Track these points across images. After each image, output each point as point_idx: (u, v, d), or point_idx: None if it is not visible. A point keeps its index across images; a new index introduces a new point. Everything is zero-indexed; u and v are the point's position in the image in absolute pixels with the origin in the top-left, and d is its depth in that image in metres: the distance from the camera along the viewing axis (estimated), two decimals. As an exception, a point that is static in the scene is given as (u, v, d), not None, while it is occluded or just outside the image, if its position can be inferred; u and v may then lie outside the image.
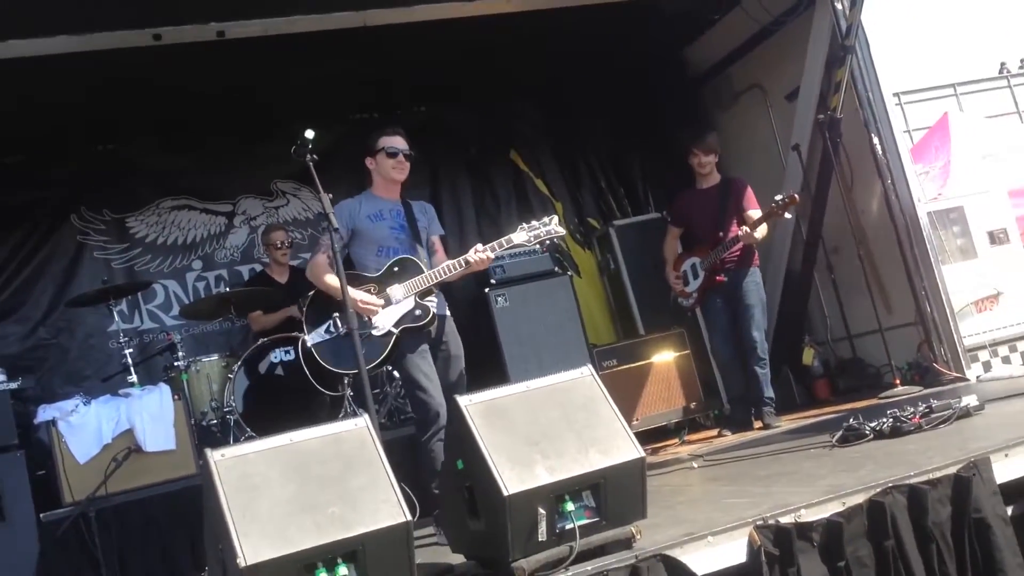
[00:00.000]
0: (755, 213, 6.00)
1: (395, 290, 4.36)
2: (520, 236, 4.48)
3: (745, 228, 5.83)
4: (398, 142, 4.56)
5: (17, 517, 4.73)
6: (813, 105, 6.89)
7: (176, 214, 7.37)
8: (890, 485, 2.98)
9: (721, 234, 6.00)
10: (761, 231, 5.91)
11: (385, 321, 4.32)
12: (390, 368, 6.19)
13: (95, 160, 6.92)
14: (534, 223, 4.52)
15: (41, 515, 4.79)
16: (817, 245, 7.10)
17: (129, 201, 7.22)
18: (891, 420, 4.12)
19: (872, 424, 4.17)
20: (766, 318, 6.10)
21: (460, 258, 4.39)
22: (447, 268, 4.39)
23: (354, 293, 4.23)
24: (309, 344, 4.40)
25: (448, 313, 4.56)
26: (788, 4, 7.00)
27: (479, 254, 4.36)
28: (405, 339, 4.33)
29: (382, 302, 4.33)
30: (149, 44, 5.30)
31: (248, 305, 6.23)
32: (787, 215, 5.88)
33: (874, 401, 5.83)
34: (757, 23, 7.34)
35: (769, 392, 5.95)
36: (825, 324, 7.44)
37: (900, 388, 5.95)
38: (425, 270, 4.43)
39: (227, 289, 6.82)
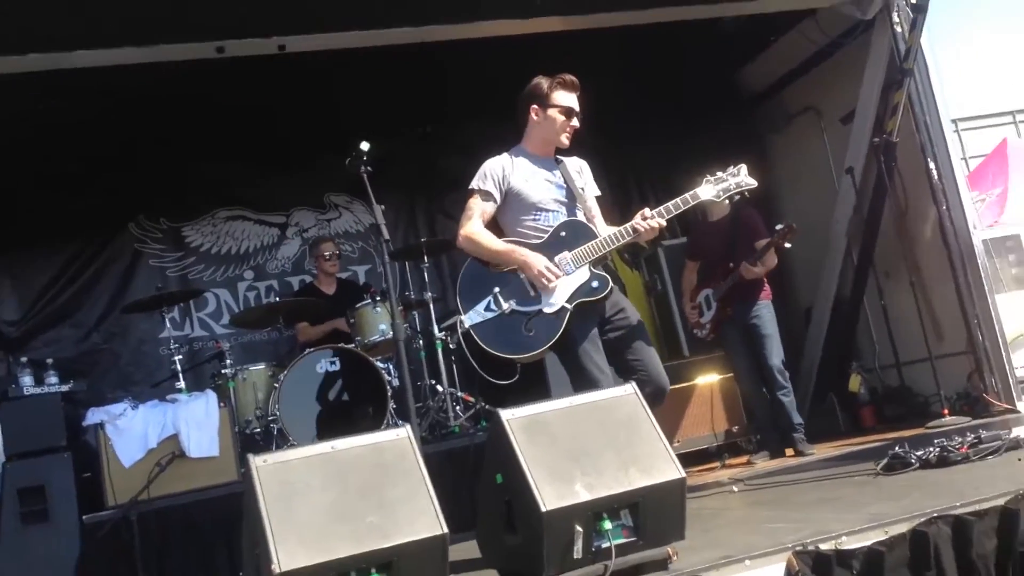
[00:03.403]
0: (761, 243, 5.99)
1: (565, 258, 3.85)
2: (707, 191, 3.97)
3: (745, 263, 5.86)
4: (576, 102, 4.02)
5: (61, 518, 4.79)
6: (869, 128, 6.84)
7: (231, 224, 7.53)
8: (935, 515, 2.92)
9: (732, 265, 5.99)
10: (767, 262, 5.92)
11: (558, 296, 3.80)
12: (433, 382, 6.25)
13: (155, 170, 7.06)
14: (720, 174, 4.02)
15: (84, 517, 4.85)
16: (868, 270, 7.02)
17: (186, 211, 7.41)
18: (938, 449, 4.05)
19: (918, 453, 4.09)
20: (781, 347, 6.01)
21: (627, 225, 3.88)
22: (616, 236, 3.87)
23: (532, 256, 3.82)
24: (467, 325, 3.88)
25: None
26: (846, 26, 6.93)
27: (649, 221, 3.83)
28: (577, 318, 3.81)
29: (561, 272, 3.81)
30: (212, 56, 5.36)
31: (295, 315, 6.33)
32: (787, 245, 5.88)
33: (921, 430, 5.73)
34: (814, 45, 7.30)
35: (798, 419, 5.90)
36: (873, 351, 7.34)
37: (948, 418, 5.85)
38: (598, 234, 3.92)
39: (276, 299, 6.92)
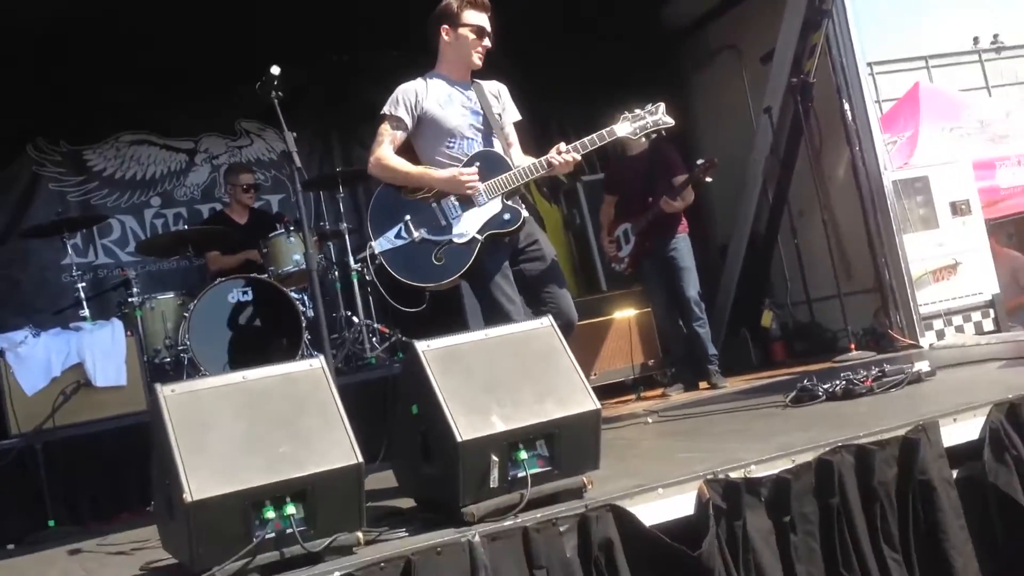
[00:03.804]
0: (680, 179, 6.04)
1: (478, 189, 3.83)
2: (624, 128, 3.94)
3: (665, 197, 5.91)
4: (486, 21, 3.95)
5: (-39, 447, 4.63)
6: (787, 68, 6.90)
7: (135, 149, 7.27)
8: (839, 444, 3.00)
9: (650, 199, 6.04)
10: (686, 197, 6.00)
11: (469, 226, 3.80)
12: (348, 313, 6.18)
13: (53, 90, 6.69)
14: (638, 111, 3.97)
15: (-14, 446, 4.71)
16: (783, 208, 7.15)
17: (88, 134, 7.10)
18: (844, 383, 4.15)
19: (825, 386, 4.20)
20: (698, 280, 6.14)
21: (542, 159, 3.87)
22: (531, 168, 3.87)
23: (446, 172, 3.79)
24: (377, 252, 3.87)
25: (527, 213, 3.94)
26: (768, -36, 6.95)
27: (563, 155, 3.82)
28: (488, 249, 3.81)
29: (476, 174, 3.78)
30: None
31: (205, 244, 6.15)
32: (708, 179, 5.97)
33: (828, 364, 5.91)
34: (736, -19, 7.31)
35: (712, 350, 6.03)
36: (786, 287, 7.51)
37: (855, 353, 6.05)
38: (512, 165, 3.89)
39: (185, 227, 6.73)
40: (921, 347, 6.15)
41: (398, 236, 3.86)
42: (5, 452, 4.67)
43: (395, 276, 3.87)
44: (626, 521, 2.68)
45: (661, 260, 6.09)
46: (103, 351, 5.00)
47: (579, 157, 3.92)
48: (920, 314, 6.34)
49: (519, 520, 2.67)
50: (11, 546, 4.27)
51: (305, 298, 5.83)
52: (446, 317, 5.76)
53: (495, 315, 3.76)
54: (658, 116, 4.00)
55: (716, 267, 7.76)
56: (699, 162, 5.93)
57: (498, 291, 3.82)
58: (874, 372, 4.23)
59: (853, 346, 6.17)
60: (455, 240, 3.82)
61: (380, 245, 3.86)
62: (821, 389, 4.20)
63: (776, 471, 2.94)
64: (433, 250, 3.83)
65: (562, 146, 3.89)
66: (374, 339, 6.07)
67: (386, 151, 3.90)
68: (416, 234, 3.84)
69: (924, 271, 6.73)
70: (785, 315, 7.39)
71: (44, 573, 3.35)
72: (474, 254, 3.81)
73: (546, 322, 3.17)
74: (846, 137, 6.59)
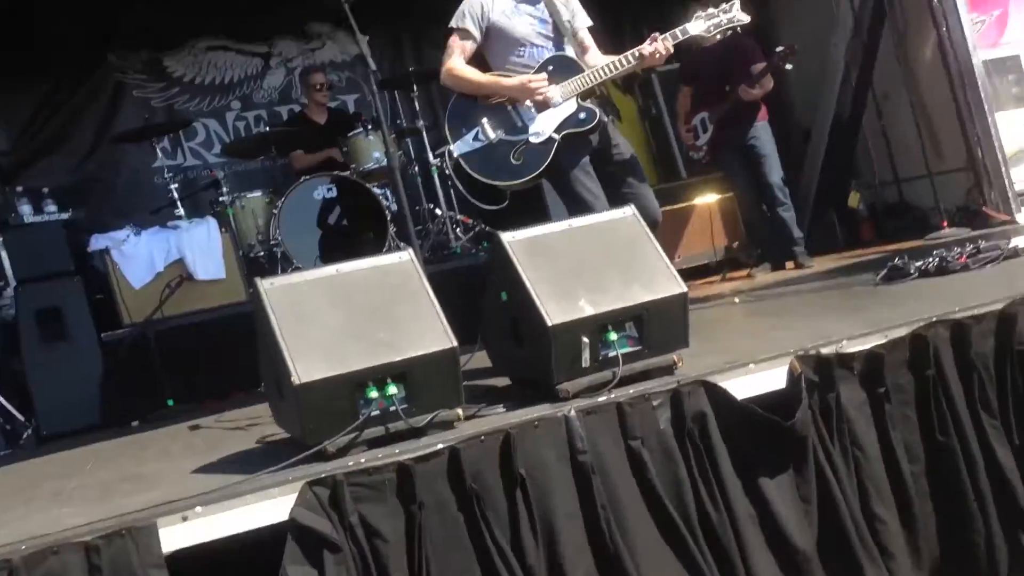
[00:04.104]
0: (759, 67, 5.89)
1: (553, 91, 3.85)
2: (697, 26, 3.93)
3: (743, 86, 5.81)
4: None
5: (79, 337, 4.90)
6: (869, -50, 6.60)
7: (212, 55, 7.37)
8: (934, 319, 2.94)
9: (728, 88, 5.92)
10: (765, 85, 5.88)
11: (545, 126, 3.84)
12: (431, 206, 6.24)
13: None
14: (712, 10, 3.95)
15: (103, 335, 4.97)
16: (867, 92, 6.93)
17: (164, 40, 7.18)
18: (937, 260, 4.06)
19: (917, 263, 4.11)
20: (780, 165, 6.03)
21: (633, 50, 3.83)
22: (617, 63, 3.84)
23: (515, 79, 3.83)
24: (456, 154, 3.94)
25: (608, 117, 3.95)
26: None
27: (656, 44, 3.78)
28: (566, 148, 3.84)
29: (546, 80, 3.80)
30: None
31: (288, 144, 6.27)
32: (788, 66, 5.81)
33: (920, 243, 5.78)
34: None
35: (798, 232, 5.98)
36: (872, 169, 7.31)
37: (947, 230, 5.90)
38: (584, 68, 3.91)
39: (267, 129, 6.84)
40: (1017, 223, 5.96)
41: (475, 139, 3.92)
42: (120, 340, 4.98)
43: (475, 175, 3.95)
44: (718, 395, 2.71)
45: (742, 149, 6.00)
46: (201, 247, 5.19)
47: (671, 48, 3.87)
48: (1015, 191, 6.12)
49: (612, 396, 2.72)
50: (135, 423, 4.57)
51: (388, 193, 5.90)
52: (528, 215, 5.77)
53: (579, 208, 3.77)
54: (732, 13, 3.97)
55: (799, 151, 7.57)
56: (778, 49, 5.79)
57: (580, 185, 3.85)
58: (968, 248, 4.13)
59: (945, 223, 6.01)
60: (532, 140, 3.86)
61: (459, 148, 3.93)
62: (913, 267, 4.11)
63: (869, 346, 2.91)
64: (511, 150, 3.89)
65: (656, 35, 3.85)
66: (458, 229, 6.14)
67: (456, 62, 3.94)
68: (493, 136, 3.90)
69: (1018, 148, 6.47)
70: (872, 195, 7.22)
71: (168, 447, 3.54)
72: (552, 153, 3.84)
73: (628, 211, 3.18)
74: (932, 18, 6.30)
